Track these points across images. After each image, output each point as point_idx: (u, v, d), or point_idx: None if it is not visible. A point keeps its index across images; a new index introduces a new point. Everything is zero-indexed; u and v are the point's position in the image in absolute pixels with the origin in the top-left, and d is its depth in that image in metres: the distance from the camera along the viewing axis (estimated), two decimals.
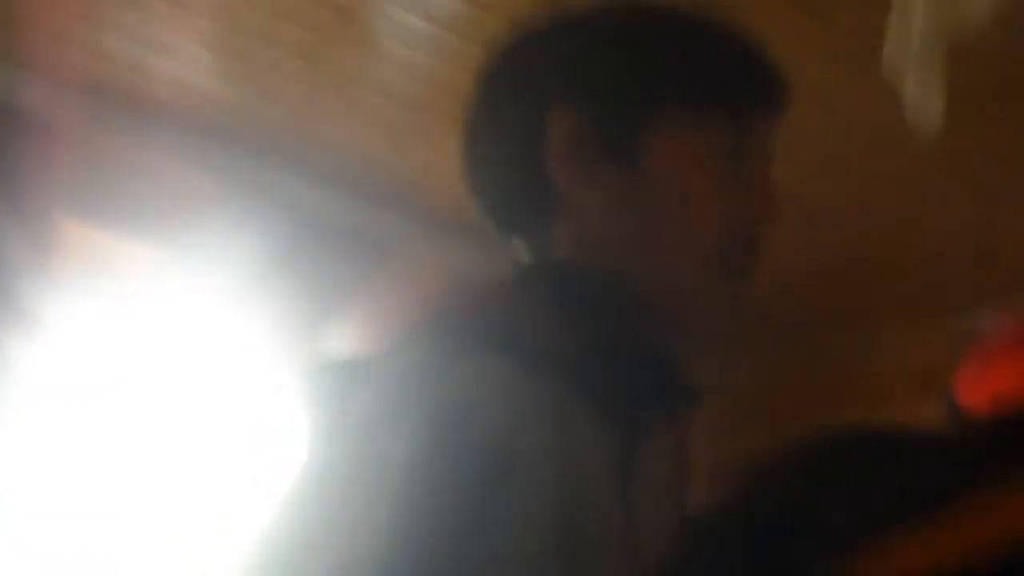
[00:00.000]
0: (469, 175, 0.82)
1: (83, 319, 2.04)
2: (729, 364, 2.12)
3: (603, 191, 0.76)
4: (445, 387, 0.65)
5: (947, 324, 1.77)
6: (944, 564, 0.48)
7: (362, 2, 1.79)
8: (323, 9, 1.79)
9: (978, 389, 0.68)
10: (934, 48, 1.25)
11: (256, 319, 2.24)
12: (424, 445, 0.62)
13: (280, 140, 2.19)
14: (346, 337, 2.02)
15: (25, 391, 1.92)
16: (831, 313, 2.39)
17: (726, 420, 2.23)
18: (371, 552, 0.61)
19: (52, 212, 1.94)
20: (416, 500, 0.62)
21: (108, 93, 1.97)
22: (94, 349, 2.08)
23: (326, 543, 0.63)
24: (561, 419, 0.68)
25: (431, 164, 2.13)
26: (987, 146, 1.65)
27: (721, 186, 0.77)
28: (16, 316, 1.81)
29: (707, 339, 0.80)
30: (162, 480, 2.04)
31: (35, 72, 1.87)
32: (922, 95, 1.25)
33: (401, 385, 0.67)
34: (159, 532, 1.93)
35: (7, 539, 1.87)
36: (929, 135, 1.24)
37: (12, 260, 1.83)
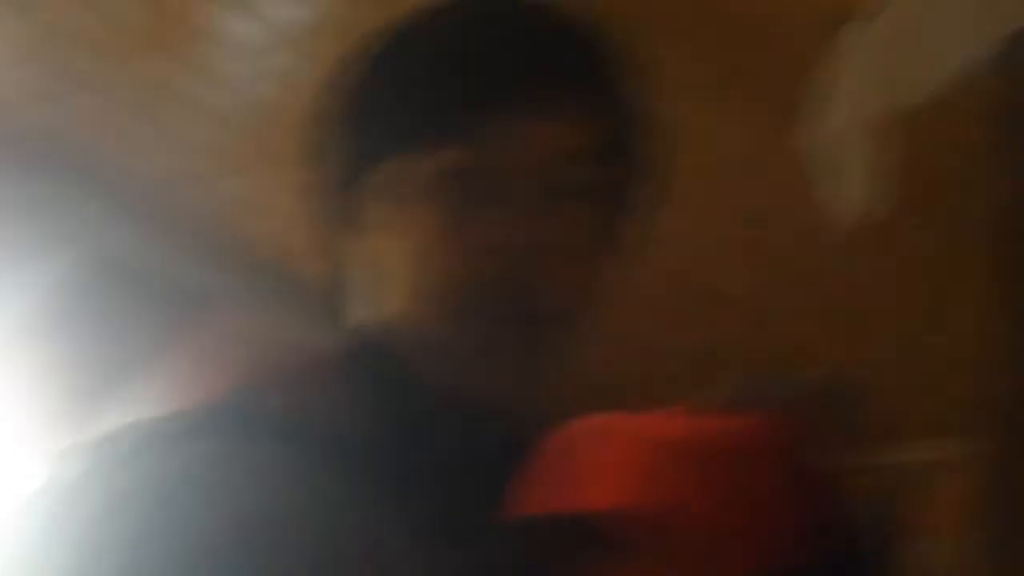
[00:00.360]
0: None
1: None
2: None
3: (358, 254, 0.71)
4: (241, 491, 0.62)
5: None
6: None
7: (189, 13, 1.65)
8: (146, 21, 1.65)
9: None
10: (860, 133, 1.15)
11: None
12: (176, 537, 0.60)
13: (88, 165, 2.02)
14: (141, 401, 1.89)
15: None
16: None
17: None
18: None
19: None
20: None
21: None
22: None
23: None
24: (348, 511, 0.62)
25: (257, 205, 2.00)
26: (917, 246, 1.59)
27: (458, 222, 0.67)
28: None
29: (516, 402, 0.68)
30: None
31: None
32: (846, 182, 1.14)
33: (202, 488, 0.62)
34: None
35: None
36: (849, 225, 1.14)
37: None
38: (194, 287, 2.18)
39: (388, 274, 0.70)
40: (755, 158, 1.50)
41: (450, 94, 0.68)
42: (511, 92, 0.67)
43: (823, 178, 1.17)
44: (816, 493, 0.55)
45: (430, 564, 0.63)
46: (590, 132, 0.67)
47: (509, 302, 0.67)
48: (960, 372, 1.41)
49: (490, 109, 0.66)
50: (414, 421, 0.69)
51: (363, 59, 0.72)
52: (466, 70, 0.68)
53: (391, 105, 0.70)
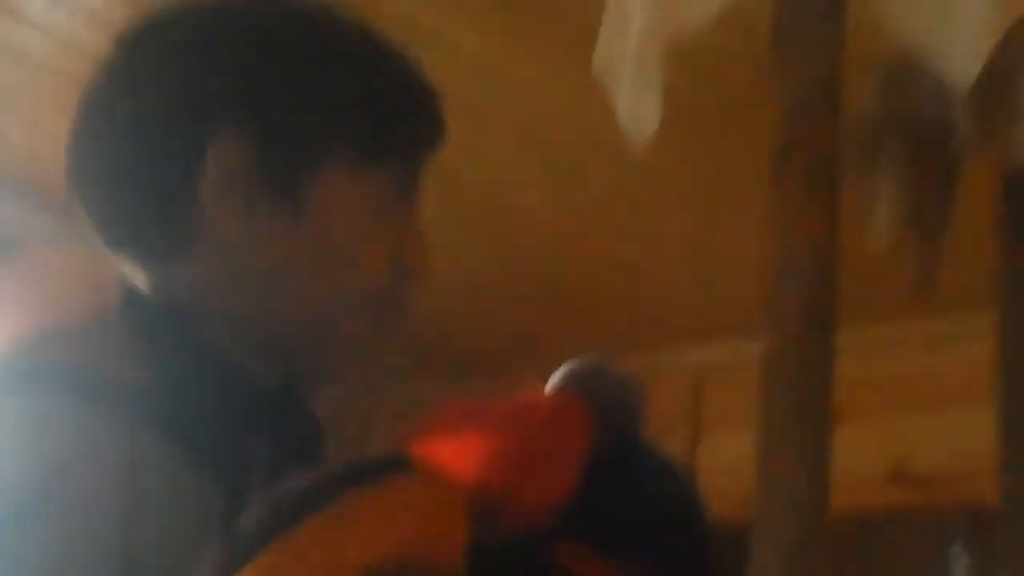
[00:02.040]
0: (80, 181, 0.83)
1: None
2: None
3: (257, 231, 0.79)
4: (57, 440, 0.69)
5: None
6: None
7: None
8: None
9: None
10: (651, 52, 1.19)
11: None
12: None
13: None
14: None
15: None
16: (523, 339, 2.36)
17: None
18: None
19: None
20: None
21: None
22: None
23: None
24: (128, 455, 0.70)
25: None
26: (706, 162, 1.68)
27: (380, 235, 0.82)
28: None
29: (333, 377, 0.86)
30: None
31: None
32: (637, 103, 1.18)
33: (48, 435, 0.70)
34: None
35: None
36: (642, 146, 1.19)
37: None
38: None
39: (300, 259, 0.84)
40: (547, 81, 1.56)
41: (411, 135, 0.89)
42: (436, 135, 0.91)
43: (617, 98, 1.22)
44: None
45: (199, 492, 0.73)
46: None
47: (392, 313, 0.87)
48: (747, 277, 1.53)
49: (424, 149, 0.91)
50: (225, 383, 0.80)
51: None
52: (419, 114, 0.90)
53: (358, 111, 0.86)
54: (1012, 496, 1.25)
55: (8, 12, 1.71)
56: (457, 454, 0.63)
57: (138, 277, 0.83)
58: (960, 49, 1.00)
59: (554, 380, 0.73)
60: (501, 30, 1.57)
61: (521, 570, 0.63)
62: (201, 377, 0.79)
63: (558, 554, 0.64)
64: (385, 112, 0.83)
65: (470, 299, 2.03)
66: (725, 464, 1.48)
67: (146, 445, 0.73)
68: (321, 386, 0.88)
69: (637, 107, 1.18)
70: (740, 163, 1.66)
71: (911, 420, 2.12)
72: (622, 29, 1.20)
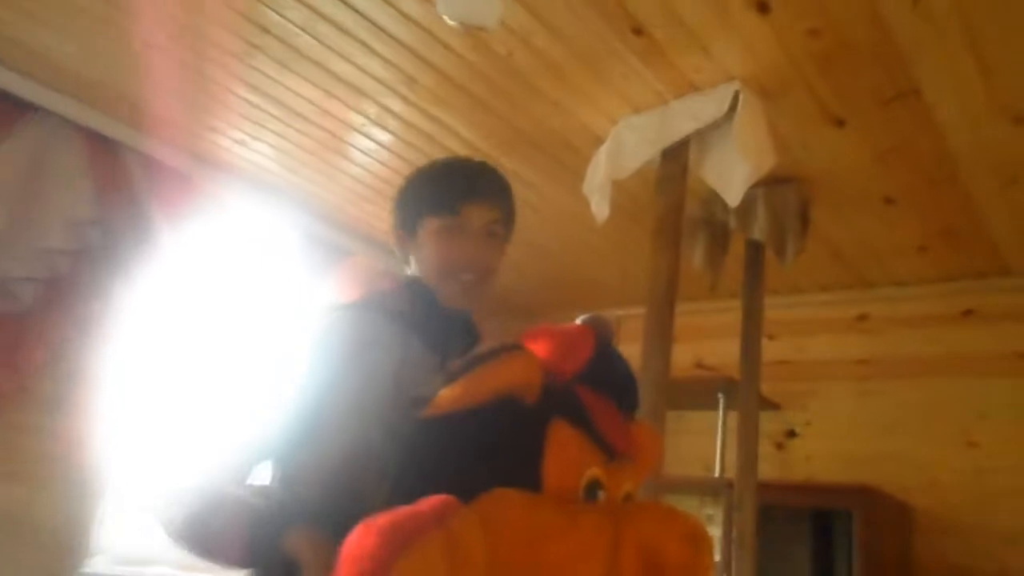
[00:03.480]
0: (395, 229, 1.51)
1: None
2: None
3: (414, 251, 1.46)
4: (363, 329, 1.28)
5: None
6: None
7: None
8: None
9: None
10: (607, 182, 2.64)
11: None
12: (356, 354, 1.22)
13: None
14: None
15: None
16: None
17: None
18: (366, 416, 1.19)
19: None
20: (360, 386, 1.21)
21: None
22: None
23: (336, 423, 1.19)
24: (409, 344, 1.30)
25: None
26: (627, 227, 3.17)
27: (447, 246, 1.39)
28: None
29: (459, 315, 1.41)
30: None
31: None
32: (600, 204, 2.61)
33: (347, 328, 1.29)
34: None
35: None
36: (600, 220, 2.62)
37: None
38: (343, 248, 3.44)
39: (423, 261, 1.42)
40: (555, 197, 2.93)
41: (447, 193, 1.41)
42: (470, 193, 1.40)
43: (592, 201, 2.65)
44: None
45: (429, 358, 1.29)
46: (500, 211, 1.43)
47: (466, 282, 1.38)
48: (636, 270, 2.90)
49: (461, 200, 1.40)
50: (431, 313, 1.37)
51: (410, 179, 1.47)
52: (451, 184, 1.42)
53: (422, 197, 1.44)
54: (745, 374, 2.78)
55: None
56: (537, 345, 1.11)
57: (401, 269, 1.50)
58: (734, 189, 2.32)
59: (577, 320, 1.20)
60: (536, 173, 2.84)
61: (561, 397, 1.08)
62: (429, 310, 1.36)
63: (580, 391, 1.12)
64: (440, 196, 1.41)
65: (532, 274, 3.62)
66: None
67: (407, 336, 1.29)
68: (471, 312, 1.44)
69: (600, 205, 2.52)
70: (644, 228, 2.86)
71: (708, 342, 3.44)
72: (595, 172, 2.58)
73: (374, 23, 2.14)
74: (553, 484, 1.00)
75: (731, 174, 2.34)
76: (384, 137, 2.72)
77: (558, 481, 1.00)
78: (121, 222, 2.71)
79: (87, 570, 2.74)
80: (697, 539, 0.99)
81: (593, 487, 1.04)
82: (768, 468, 3.23)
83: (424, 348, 1.30)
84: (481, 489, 0.95)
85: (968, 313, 3.24)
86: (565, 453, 1.02)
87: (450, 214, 1.39)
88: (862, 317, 3.48)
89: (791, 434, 3.48)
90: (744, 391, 2.77)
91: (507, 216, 1.46)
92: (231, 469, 1.16)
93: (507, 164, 2.77)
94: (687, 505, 3.06)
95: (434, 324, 1.35)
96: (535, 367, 1.05)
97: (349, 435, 1.19)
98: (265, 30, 2.21)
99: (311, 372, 1.22)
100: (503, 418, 1.01)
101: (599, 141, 2.56)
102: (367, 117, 2.60)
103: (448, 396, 1.01)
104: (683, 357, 3.67)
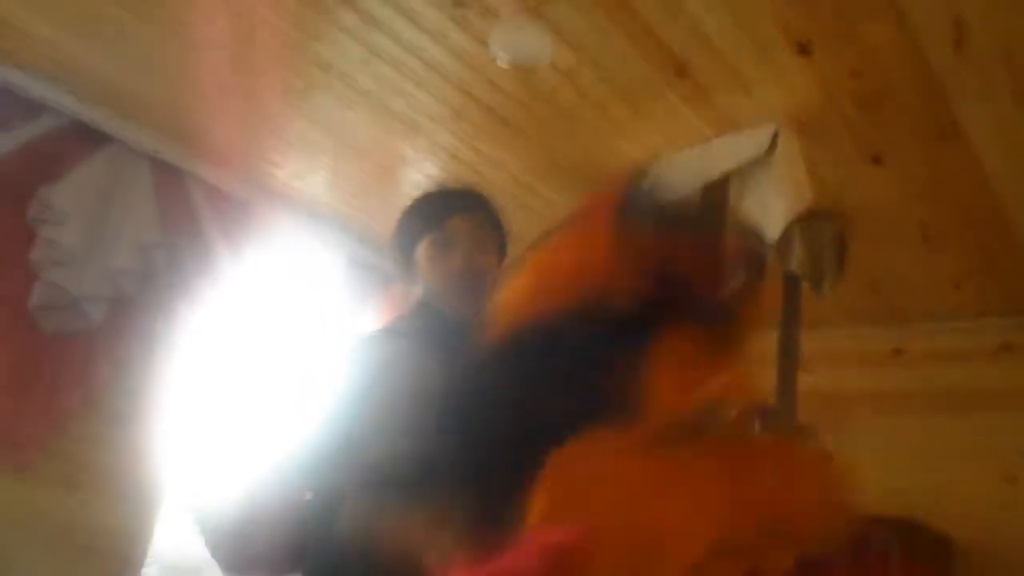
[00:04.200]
0: (398, 254, 1.65)
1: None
2: None
3: (418, 273, 1.62)
4: (388, 351, 1.43)
5: None
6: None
7: None
8: None
9: None
10: None
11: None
12: (383, 373, 1.33)
13: None
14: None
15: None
16: None
17: None
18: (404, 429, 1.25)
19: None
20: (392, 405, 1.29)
21: None
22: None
23: (371, 433, 1.27)
24: (425, 359, 1.38)
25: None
26: None
27: (442, 257, 1.54)
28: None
29: (468, 320, 1.43)
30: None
31: None
32: None
33: (375, 353, 1.44)
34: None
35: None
36: None
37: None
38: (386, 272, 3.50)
39: (426, 277, 1.58)
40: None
41: (432, 214, 1.59)
42: (451, 209, 1.59)
43: None
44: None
45: (452, 380, 1.28)
46: (481, 216, 1.60)
47: (467, 287, 1.52)
48: None
49: (446, 216, 1.58)
50: (441, 326, 1.50)
51: (400, 214, 1.64)
52: (432, 205, 1.62)
53: (412, 224, 1.61)
54: None
55: None
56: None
57: (414, 292, 1.63)
58: (772, 225, 2.39)
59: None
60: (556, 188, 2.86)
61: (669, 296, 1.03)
62: (437, 327, 1.48)
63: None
64: (428, 218, 1.58)
65: None
66: None
67: (423, 355, 1.38)
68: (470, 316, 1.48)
69: None
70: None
71: None
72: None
73: (427, 62, 2.24)
74: (659, 407, 0.78)
75: (770, 210, 2.39)
76: (433, 170, 2.79)
77: (665, 403, 0.79)
78: (184, 246, 2.85)
79: None
80: (835, 504, 0.75)
81: (709, 408, 0.82)
82: None
83: (440, 360, 1.38)
84: (560, 423, 0.75)
85: (1006, 348, 3.25)
86: (673, 367, 0.80)
87: (438, 230, 1.58)
88: (898, 351, 3.51)
89: None
90: (782, 423, 2.79)
91: (491, 221, 1.63)
92: (273, 482, 1.26)
93: (547, 193, 2.86)
94: None
95: (446, 336, 1.45)
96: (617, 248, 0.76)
97: (378, 443, 1.27)
98: (326, 68, 2.32)
99: (343, 390, 1.36)
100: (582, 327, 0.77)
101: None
102: (417, 150, 2.70)
103: (510, 300, 0.78)
104: None
